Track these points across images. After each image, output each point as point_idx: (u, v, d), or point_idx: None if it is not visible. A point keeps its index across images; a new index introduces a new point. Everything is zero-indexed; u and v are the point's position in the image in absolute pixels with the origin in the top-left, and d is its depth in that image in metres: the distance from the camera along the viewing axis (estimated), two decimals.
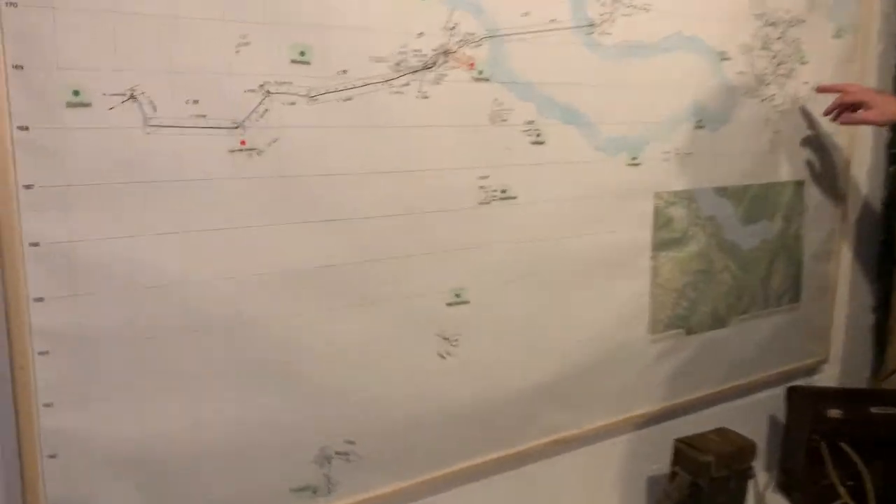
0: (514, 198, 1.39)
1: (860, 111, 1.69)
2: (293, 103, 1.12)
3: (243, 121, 1.08)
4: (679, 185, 1.64)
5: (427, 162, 1.27)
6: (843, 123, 1.77)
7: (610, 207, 1.53)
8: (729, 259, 1.76)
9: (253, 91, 1.08)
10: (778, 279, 1.89)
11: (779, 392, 1.98)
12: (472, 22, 1.27)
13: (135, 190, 1.01)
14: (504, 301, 1.41)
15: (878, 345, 2.17)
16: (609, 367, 1.59)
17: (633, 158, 1.55)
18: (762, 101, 1.76)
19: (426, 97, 1.25)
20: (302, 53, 1.12)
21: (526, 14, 1.33)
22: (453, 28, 1.26)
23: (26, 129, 0.93)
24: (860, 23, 1.92)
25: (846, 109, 1.73)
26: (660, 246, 1.63)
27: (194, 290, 1.07)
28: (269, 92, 1.10)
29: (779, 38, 1.75)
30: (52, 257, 0.97)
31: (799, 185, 1.90)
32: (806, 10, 1.79)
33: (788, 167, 1.86)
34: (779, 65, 1.77)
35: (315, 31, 1.12)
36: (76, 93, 0.95)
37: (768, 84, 1.76)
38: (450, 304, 1.34)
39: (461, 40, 1.27)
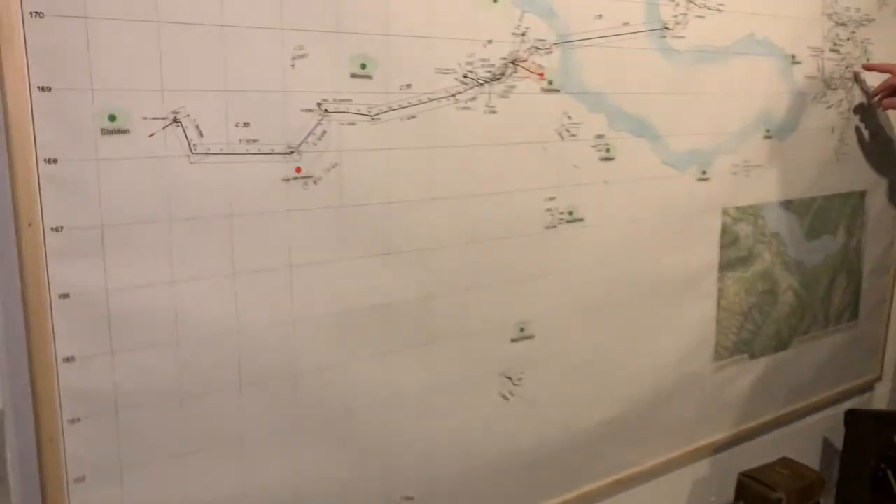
0: (582, 220, 1.25)
1: None
2: (353, 123, 0.98)
3: (299, 145, 0.94)
4: (746, 199, 1.51)
5: (494, 184, 1.13)
6: (886, 108, 1.66)
7: (678, 226, 1.40)
8: (793, 277, 1.64)
9: (310, 110, 0.94)
10: (838, 296, 1.78)
11: (832, 414, 1.87)
12: (542, 27, 1.14)
13: (177, 228, 0.87)
14: (570, 333, 1.28)
15: None
16: (673, 398, 1.47)
17: (703, 173, 1.42)
18: (829, 107, 1.63)
19: (494, 112, 1.11)
20: (363, 66, 0.97)
21: (599, 17, 1.20)
22: (523, 34, 1.12)
23: (55, 161, 0.79)
24: None
25: (893, 93, 1.61)
26: (726, 266, 1.50)
27: (246, 339, 0.94)
28: (327, 111, 0.95)
29: (848, 38, 1.63)
30: (85, 310, 0.83)
31: (861, 195, 1.78)
32: (876, 8, 1.66)
33: (852, 177, 1.74)
34: (846, 68, 1.64)
35: (377, 41, 0.98)
36: (112, 117, 0.81)
37: (835, 89, 1.63)
38: (514, 340, 1.21)
39: (532, 47, 1.13)
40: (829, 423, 1.87)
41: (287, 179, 0.94)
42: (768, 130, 1.51)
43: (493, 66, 1.09)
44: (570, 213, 1.24)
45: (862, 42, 1.66)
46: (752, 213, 1.53)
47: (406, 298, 1.07)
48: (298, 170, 0.95)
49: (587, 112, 1.22)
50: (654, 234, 1.36)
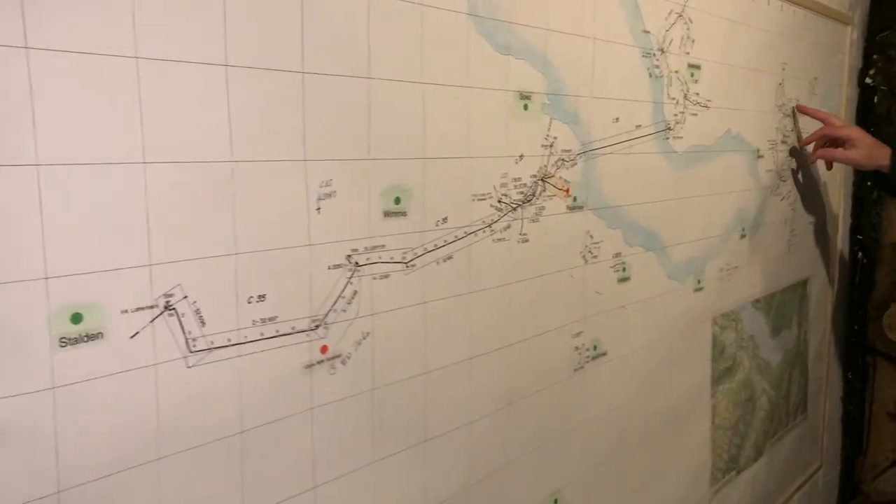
0: (605, 354, 1.06)
1: (843, 148, 1.47)
2: (386, 276, 0.72)
3: (325, 315, 0.67)
4: (729, 305, 1.40)
5: (527, 327, 0.91)
6: (820, 158, 1.54)
7: (680, 345, 1.25)
8: (765, 380, 1.55)
9: (338, 266, 0.67)
10: (794, 391, 1.71)
11: None
12: (568, 134, 0.94)
13: (169, 470, 0.56)
14: (599, 493, 1.07)
15: (851, 438, 2.08)
16: None
17: (699, 282, 1.28)
18: (782, 199, 1.57)
19: (526, 241, 0.89)
20: (397, 201, 0.72)
21: (616, 120, 1.03)
22: (551, 145, 0.92)
23: None
24: (840, 108, 1.83)
25: (827, 144, 1.51)
26: (717, 380, 1.37)
27: None
28: (357, 264, 0.69)
29: (792, 129, 1.59)
30: None
31: (805, 283, 1.74)
32: (808, 98, 1.65)
33: (799, 267, 1.69)
34: (793, 158, 1.60)
35: (413, 168, 0.74)
36: (77, 318, 0.50)
37: (785, 180, 1.58)
38: None
39: (559, 160, 0.93)
40: None
41: (310, 365, 0.66)
42: (743, 229, 1.42)
43: (524, 185, 0.88)
44: (595, 347, 1.04)
45: (801, 132, 1.63)
46: (733, 318, 1.41)
47: (446, 495, 0.81)
48: (324, 349, 0.67)
49: (607, 228, 1.04)
50: (663, 358, 1.20)
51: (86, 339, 0.50)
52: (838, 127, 1.50)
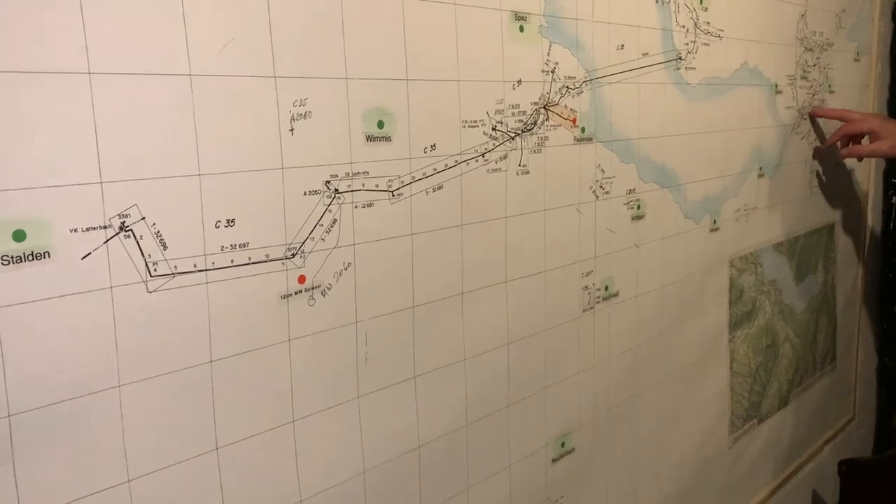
0: (616, 294, 1.02)
1: (868, 142, 1.45)
2: (370, 205, 0.68)
3: (302, 244, 0.63)
4: (747, 247, 1.34)
5: (529, 264, 0.87)
6: (849, 157, 1.52)
7: (697, 288, 1.20)
8: (788, 327, 1.49)
9: (316, 192, 0.64)
10: (821, 339, 1.65)
11: (817, 465, 1.72)
12: (571, 61, 0.89)
13: (130, 398, 0.53)
14: (608, 438, 1.03)
15: (887, 390, 2.01)
16: (697, 483, 1.26)
17: (714, 223, 1.23)
18: (802, 137, 1.50)
19: (527, 172, 0.85)
20: (380, 125, 0.68)
21: (621, 47, 0.97)
22: (553, 71, 0.87)
23: None
24: (872, 44, 1.74)
25: (850, 140, 1.50)
26: (735, 325, 1.32)
27: None
28: (337, 191, 0.65)
29: (814, 64, 1.51)
30: None
31: (831, 228, 1.67)
32: (834, 32, 1.57)
33: (822, 211, 1.62)
34: (813, 95, 1.53)
35: (396, 89, 0.69)
36: (20, 235, 0.47)
37: (806, 119, 1.51)
38: (555, 460, 0.94)
39: (562, 87, 0.88)
40: (816, 475, 1.73)
41: (287, 296, 0.63)
42: (761, 169, 1.35)
43: (523, 113, 0.83)
44: (606, 288, 1.00)
45: (824, 68, 1.55)
46: (752, 261, 1.36)
47: (438, 435, 0.78)
48: (302, 279, 0.64)
49: (620, 163, 0.99)
50: (677, 301, 1.15)
51: (31, 258, 0.47)
52: (858, 121, 1.46)
